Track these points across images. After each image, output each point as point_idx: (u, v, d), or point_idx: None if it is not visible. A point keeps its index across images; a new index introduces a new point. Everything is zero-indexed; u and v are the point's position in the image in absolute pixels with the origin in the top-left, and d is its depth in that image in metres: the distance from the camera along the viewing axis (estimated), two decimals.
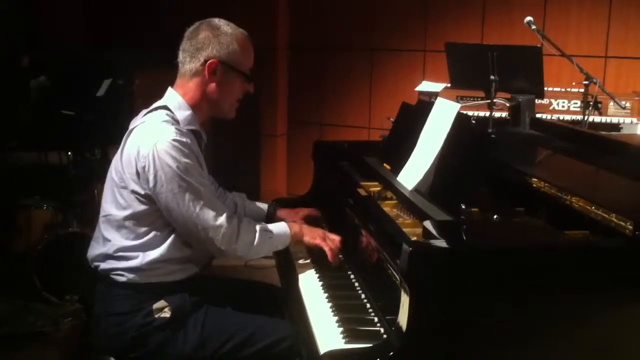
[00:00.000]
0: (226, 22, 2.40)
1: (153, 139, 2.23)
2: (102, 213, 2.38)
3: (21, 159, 4.98)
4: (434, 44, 5.27)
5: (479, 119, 4.24)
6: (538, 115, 4.04)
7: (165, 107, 2.35)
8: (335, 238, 2.48)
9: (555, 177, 2.32)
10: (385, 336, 1.96)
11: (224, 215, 2.28)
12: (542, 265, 1.77)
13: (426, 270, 1.75)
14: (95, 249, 2.39)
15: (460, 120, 2.30)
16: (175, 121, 2.32)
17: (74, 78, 5.12)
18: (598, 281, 1.80)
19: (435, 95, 4.29)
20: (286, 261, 2.61)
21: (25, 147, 5.00)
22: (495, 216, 2.10)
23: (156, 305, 2.29)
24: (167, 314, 2.29)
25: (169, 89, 2.40)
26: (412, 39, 5.48)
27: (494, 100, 3.68)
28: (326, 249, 2.44)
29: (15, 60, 5.16)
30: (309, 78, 5.88)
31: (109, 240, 2.33)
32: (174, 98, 2.37)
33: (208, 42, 2.34)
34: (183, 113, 2.34)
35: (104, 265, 2.34)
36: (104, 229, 2.36)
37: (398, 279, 1.83)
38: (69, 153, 4.74)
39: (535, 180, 2.26)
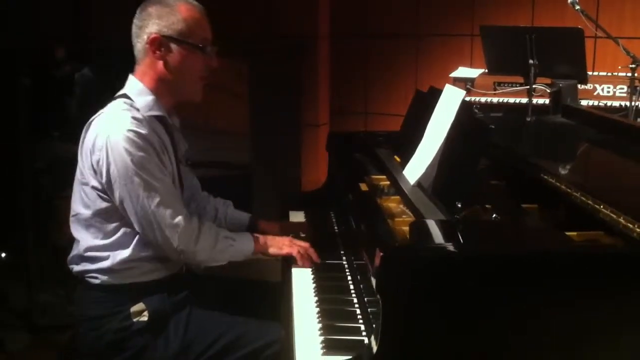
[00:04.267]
0: None
1: (107, 130, 2.08)
2: (71, 213, 2.26)
3: (64, 150, 4.97)
4: None
5: (516, 106, 4.02)
6: (583, 102, 3.79)
7: (124, 95, 2.19)
8: (304, 244, 2.33)
9: (572, 172, 2.10)
10: (367, 347, 1.78)
11: (182, 215, 2.13)
12: (529, 274, 1.56)
13: (400, 280, 1.55)
14: (72, 251, 2.28)
15: (462, 109, 2.09)
16: (135, 109, 2.15)
17: (119, 69, 5.08)
18: (594, 292, 1.57)
19: (471, 81, 4.08)
20: (287, 258, 2.45)
21: (68, 139, 4.99)
22: (493, 215, 1.89)
23: (134, 309, 2.16)
24: (145, 317, 2.16)
25: (129, 76, 2.24)
26: (458, 23, 5.21)
27: (534, 86, 3.46)
28: (295, 254, 2.29)
29: (56, 52, 5.14)
30: (351, 66, 5.67)
31: (79, 241, 2.22)
32: (133, 84, 2.21)
33: (148, 17, 2.17)
34: (144, 99, 2.17)
35: (77, 268, 2.23)
36: (74, 230, 2.24)
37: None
38: None
39: (548, 174, 2.05)
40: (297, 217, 2.85)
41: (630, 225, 1.63)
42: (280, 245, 2.32)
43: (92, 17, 5.81)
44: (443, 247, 1.63)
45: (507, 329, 1.55)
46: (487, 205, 1.99)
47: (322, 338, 1.86)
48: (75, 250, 2.25)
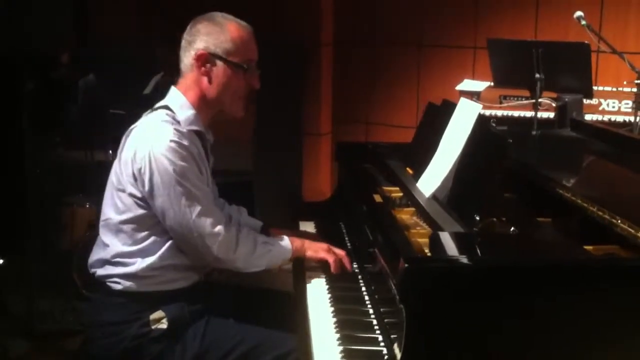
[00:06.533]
0: (223, 15, 2.28)
1: (150, 140, 2.14)
2: (101, 217, 2.30)
3: (66, 156, 4.97)
4: (484, 40, 5.01)
5: (521, 120, 4.05)
6: (587, 117, 3.81)
7: (166, 107, 2.25)
8: (340, 252, 2.34)
9: (586, 186, 2.13)
10: (386, 357, 1.80)
11: (222, 223, 2.17)
12: (545, 288, 1.58)
13: (424, 291, 1.57)
14: (95, 255, 2.31)
15: (480, 123, 2.12)
16: (176, 121, 2.21)
17: (123, 76, 5.07)
18: (618, 305, 1.59)
19: (477, 94, 4.11)
20: (299, 268, 2.47)
21: (71, 145, 4.99)
22: (512, 229, 1.92)
23: (153, 316, 2.18)
24: (164, 325, 2.18)
25: (172, 88, 2.30)
26: (461, 36, 5.24)
27: (540, 100, 3.48)
28: (330, 260, 2.29)
29: (59, 57, 5.13)
30: (354, 75, 5.68)
31: (108, 246, 2.25)
32: (176, 97, 2.27)
33: (198, 34, 2.24)
34: (185, 113, 2.23)
35: (100, 272, 2.26)
36: (103, 234, 2.28)
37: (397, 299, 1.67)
38: (111, 152, 4.71)
39: (562, 188, 2.07)
40: (307, 227, 2.86)
41: None
42: (317, 249, 2.33)
43: (95, 22, 5.81)
44: (468, 258, 1.65)
45: (531, 340, 1.57)
46: (502, 218, 2.01)
47: (341, 348, 1.87)
48: (100, 254, 2.27)
